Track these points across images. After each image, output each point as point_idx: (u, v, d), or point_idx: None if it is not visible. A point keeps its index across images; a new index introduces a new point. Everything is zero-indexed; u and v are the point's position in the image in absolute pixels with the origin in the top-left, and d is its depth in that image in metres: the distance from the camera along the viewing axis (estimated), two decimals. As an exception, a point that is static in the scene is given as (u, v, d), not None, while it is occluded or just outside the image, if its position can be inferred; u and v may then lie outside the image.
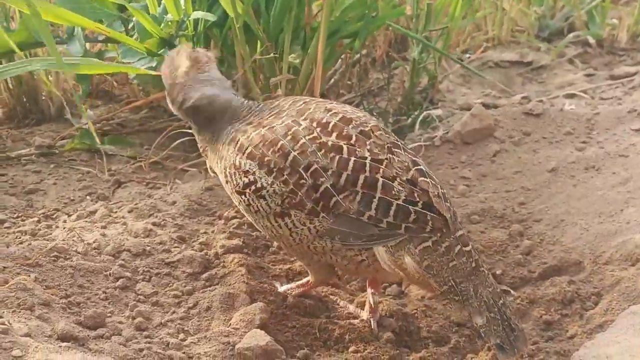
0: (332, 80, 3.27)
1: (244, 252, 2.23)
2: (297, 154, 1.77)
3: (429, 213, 1.73)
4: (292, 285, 2.10)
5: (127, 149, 2.81)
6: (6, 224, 2.33)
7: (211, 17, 2.46)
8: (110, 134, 2.88)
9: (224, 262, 2.17)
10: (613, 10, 4.21)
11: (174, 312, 1.99)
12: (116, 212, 2.41)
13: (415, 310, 2.11)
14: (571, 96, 3.38)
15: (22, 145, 2.80)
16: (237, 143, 1.86)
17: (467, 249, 1.76)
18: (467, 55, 3.87)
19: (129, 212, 2.40)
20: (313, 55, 2.64)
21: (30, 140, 2.83)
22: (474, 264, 1.75)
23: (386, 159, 1.76)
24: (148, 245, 2.21)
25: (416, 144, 2.72)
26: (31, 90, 2.99)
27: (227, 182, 1.90)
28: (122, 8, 2.71)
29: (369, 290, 2.03)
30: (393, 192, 1.72)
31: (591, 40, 3.97)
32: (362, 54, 3.37)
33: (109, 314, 1.91)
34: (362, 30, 2.68)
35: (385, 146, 1.79)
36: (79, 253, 2.10)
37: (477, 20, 3.92)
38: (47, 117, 3.00)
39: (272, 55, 2.56)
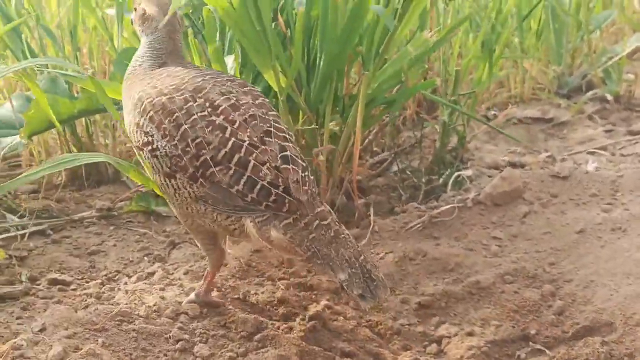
0: (367, 140, 3.30)
1: (293, 313, 2.26)
2: (188, 127, 1.97)
3: (286, 196, 1.92)
4: (199, 287, 2.22)
5: (180, 210, 2.85)
6: (72, 286, 2.37)
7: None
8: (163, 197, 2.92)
9: (274, 323, 2.19)
10: (628, 66, 4.21)
11: (229, 374, 2.01)
12: (172, 273, 2.45)
13: (455, 370, 2.11)
14: (592, 153, 3.38)
15: (84, 207, 2.86)
16: (142, 105, 2.05)
17: (325, 222, 1.95)
18: (492, 112, 3.89)
19: (185, 274, 2.43)
20: (352, 123, 2.67)
21: (90, 202, 2.89)
22: (332, 233, 1.94)
23: (262, 145, 1.96)
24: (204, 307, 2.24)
25: (450, 206, 2.73)
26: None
27: (130, 132, 2.11)
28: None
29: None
30: (260, 174, 1.93)
31: (609, 97, 3.98)
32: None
33: (171, 377, 1.93)
34: (397, 100, 2.71)
35: (260, 133, 1.98)
36: (140, 316, 2.13)
37: (500, 78, 3.96)
38: (105, 180, 3.06)
39: (313, 125, 2.60)
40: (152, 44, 2.24)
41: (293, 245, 1.91)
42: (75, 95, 2.87)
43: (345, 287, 1.89)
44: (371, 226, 2.65)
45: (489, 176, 3.06)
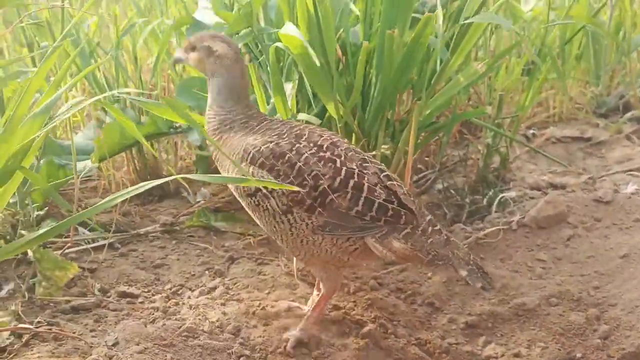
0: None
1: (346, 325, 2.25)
2: (302, 164, 2.04)
3: (401, 209, 2.03)
4: (309, 314, 2.21)
5: (237, 226, 2.86)
6: (140, 299, 2.39)
7: (315, 120, 2.51)
8: (222, 211, 2.94)
9: (329, 340, 2.18)
10: (666, 87, 4.11)
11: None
12: (232, 288, 2.46)
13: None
14: (632, 174, 3.29)
15: (148, 221, 2.89)
16: (249, 155, 2.09)
17: (437, 227, 2.08)
18: (531, 132, 3.83)
19: (244, 288, 2.44)
20: (402, 147, 2.66)
21: (154, 217, 2.92)
22: (445, 237, 2.06)
23: (364, 170, 2.06)
24: (262, 321, 2.25)
25: (495, 228, 2.69)
26: (154, 170, 3.10)
27: (236, 187, 2.15)
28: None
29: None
30: (375, 193, 2.02)
31: (646, 118, 3.88)
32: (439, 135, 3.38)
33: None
34: (447, 126, 2.69)
35: (359, 162, 2.08)
36: (205, 332, 2.15)
37: (541, 100, 3.90)
38: (167, 194, 3.08)
39: (369, 151, 2.59)
40: (228, 86, 2.19)
41: (415, 252, 2.00)
42: (142, 120, 2.91)
43: (469, 281, 2.00)
44: (420, 246, 2.62)
45: (532, 197, 3.01)
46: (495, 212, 2.86)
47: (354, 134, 2.66)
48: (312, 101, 2.72)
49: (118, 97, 2.92)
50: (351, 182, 2.02)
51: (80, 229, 2.73)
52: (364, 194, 2.01)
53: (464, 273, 2.01)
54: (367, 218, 2.01)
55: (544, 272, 2.52)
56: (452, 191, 3.11)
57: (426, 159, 3.36)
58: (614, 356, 2.16)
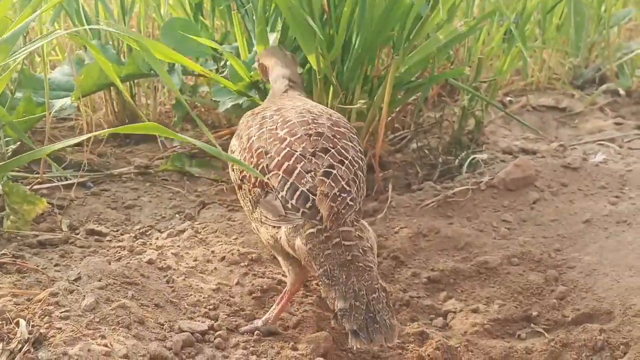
0: (389, 117, 3.17)
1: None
2: (255, 139, 1.88)
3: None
4: (270, 312, 1.93)
5: (211, 172, 2.76)
6: (108, 237, 2.30)
7: (296, 73, 2.40)
8: (197, 157, 2.84)
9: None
10: (642, 62, 4.01)
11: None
12: (200, 232, 2.37)
13: (459, 345, 2.02)
14: (601, 144, 3.22)
15: (123, 163, 2.78)
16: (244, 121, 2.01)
17: (348, 243, 1.70)
18: (508, 99, 3.73)
19: (212, 232, 2.36)
20: (378, 103, 2.55)
21: (130, 159, 2.80)
22: (350, 257, 1.67)
23: (312, 157, 1.80)
24: (229, 266, 2.17)
25: (464, 187, 2.61)
26: (132, 114, 2.97)
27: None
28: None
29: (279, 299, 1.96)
30: (302, 180, 1.76)
31: (621, 91, 3.79)
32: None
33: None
34: (425, 85, 2.58)
35: (317, 149, 1.81)
36: (169, 272, 2.06)
37: (519, 67, 3.78)
38: (144, 138, 2.97)
39: (346, 104, 2.49)
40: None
41: (310, 258, 1.69)
42: (123, 60, 2.76)
43: (339, 317, 1.59)
44: (389, 201, 2.55)
45: (502, 161, 2.93)
46: (466, 172, 2.78)
47: (331, 87, 2.55)
48: (294, 52, 2.60)
49: (99, 32, 2.78)
50: (285, 165, 1.79)
51: (55, 165, 2.61)
52: (291, 179, 1.76)
53: (340, 305, 1.59)
54: (289, 206, 1.75)
55: (508, 232, 2.45)
56: (426, 151, 3.02)
57: (403, 118, 3.25)
58: (569, 316, 2.10)
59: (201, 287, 2.04)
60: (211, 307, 1.97)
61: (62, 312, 1.76)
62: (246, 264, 2.18)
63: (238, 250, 2.24)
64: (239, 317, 1.96)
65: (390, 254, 2.34)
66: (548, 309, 2.15)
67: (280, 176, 1.78)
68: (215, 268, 2.15)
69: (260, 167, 1.83)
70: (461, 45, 3.13)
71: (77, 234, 2.29)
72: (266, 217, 1.82)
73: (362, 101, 2.57)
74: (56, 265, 2.07)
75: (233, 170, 1.99)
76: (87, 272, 1.94)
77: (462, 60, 3.18)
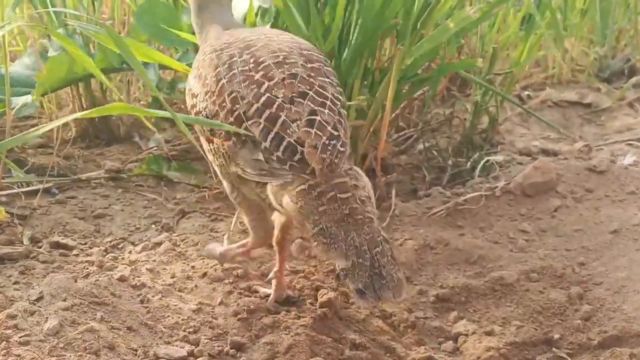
0: (393, 114, 3.16)
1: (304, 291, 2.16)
2: (226, 82, 1.86)
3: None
4: (232, 246, 2.10)
5: (192, 177, 2.75)
6: (75, 251, 2.28)
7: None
8: (176, 160, 2.82)
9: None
10: (676, 52, 4.02)
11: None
12: (179, 245, 2.35)
13: (470, 370, 2.01)
14: (631, 144, 3.21)
15: (93, 166, 2.76)
16: (196, 63, 1.99)
17: (344, 195, 1.73)
18: (527, 93, 3.73)
19: (192, 245, 2.34)
20: (381, 99, 2.54)
21: (100, 161, 2.79)
22: (347, 211, 1.70)
23: (294, 103, 1.81)
24: (211, 283, 2.15)
25: (477, 193, 2.60)
26: (103, 111, 2.95)
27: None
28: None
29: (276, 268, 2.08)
30: (288, 130, 1.77)
31: (653, 85, 3.80)
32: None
33: None
34: (433, 78, 2.57)
35: (293, 93, 1.82)
36: (143, 290, 2.05)
37: (539, 58, 3.78)
38: (116, 138, 2.96)
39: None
40: None
41: (302, 217, 1.72)
42: (92, 51, 2.75)
43: (342, 277, 1.66)
44: (392, 209, 2.54)
45: (520, 163, 2.92)
46: (479, 176, 2.77)
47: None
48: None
49: (65, 23, 2.77)
50: (266, 113, 1.80)
51: (15, 170, 2.59)
52: (275, 128, 1.78)
53: (342, 264, 1.65)
54: (273, 157, 1.77)
55: (527, 244, 2.45)
56: (434, 152, 3.01)
57: (408, 115, 3.24)
58: (595, 339, 2.10)
59: (180, 308, 2.02)
60: (191, 330, 1.95)
61: (21, 337, 1.74)
62: (231, 280, 2.17)
63: (222, 265, 2.23)
64: (223, 341, 1.95)
65: (393, 269, 2.32)
66: (572, 330, 2.15)
67: (262, 125, 1.80)
68: (195, 286, 2.14)
69: (235, 114, 1.83)
70: (473, 33, 3.13)
71: (40, 247, 2.28)
72: (244, 171, 1.84)
73: (362, 97, 2.56)
74: (15, 283, 2.05)
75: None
76: (51, 291, 1.92)
77: (475, 50, 3.18)
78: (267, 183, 1.81)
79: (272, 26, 2.55)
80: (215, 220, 2.51)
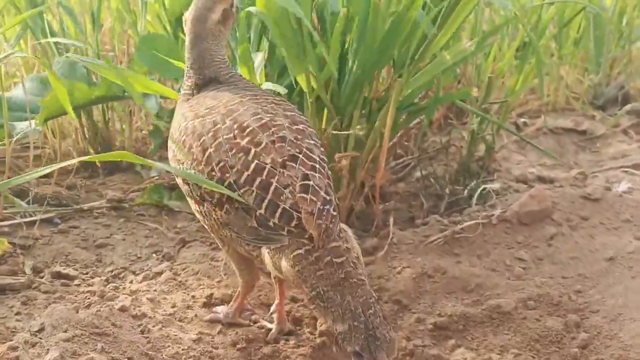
0: (390, 142, 3.18)
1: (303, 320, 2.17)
2: (212, 151, 1.87)
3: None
4: (229, 307, 2.14)
5: (193, 206, 2.76)
6: (76, 281, 2.30)
7: (281, 90, 2.42)
8: (177, 190, 2.83)
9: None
10: (668, 80, 4.06)
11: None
12: (180, 274, 2.36)
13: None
14: (626, 171, 3.23)
15: (95, 196, 2.78)
16: (179, 129, 1.99)
17: (339, 260, 1.80)
18: (522, 120, 3.76)
19: (193, 274, 2.35)
20: (379, 128, 2.56)
21: (102, 191, 2.81)
22: (342, 275, 1.78)
23: (282, 169, 1.84)
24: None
25: (474, 222, 2.61)
26: (106, 140, 2.99)
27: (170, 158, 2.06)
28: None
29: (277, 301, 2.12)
30: (282, 197, 1.80)
31: (646, 111, 3.83)
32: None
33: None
34: (429, 108, 2.60)
35: (284, 157, 1.85)
36: (144, 321, 2.05)
37: (534, 85, 3.81)
38: (118, 168, 2.98)
39: (342, 130, 2.50)
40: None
41: (300, 281, 1.78)
42: (94, 80, 2.79)
43: (340, 341, 1.73)
44: (390, 237, 2.55)
45: (516, 191, 2.94)
46: (476, 204, 2.78)
47: (325, 111, 2.56)
48: (282, 73, 2.62)
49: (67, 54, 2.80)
50: (258, 180, 1.82)
51: (18, 200, 2.62)
52: (268, 196, 1.80)
53: (339, 328, 1.73)
54: (270, 224, 1.80)
55: (523, 272, 2.45)
56: (432, 180, 3.04)
57: (406, 143, 3.27)
58: (592, 368, 2.10)
59: (180, 338, 2.03)
60: (191, 360, 1.96)
61: (22, 369, 1.75)
62: (231, 310, 2.17)
63: (222, 294, 2.24)
64: (222, 371, 1.95)
65: (391, 297, 2.34)
66: (569, 359, 2.15)
67: (254, 193, 1.82)
68: (195, 315, 2.15)
69: (226, 183, 1.85)
70: (469, 63, 3.16)
71: (42, 277, 2.29)
72: (238, 235, 1.87)
73: (359, 127, 2.59)
74: (17, 314, 2.06)
75: (188, 184, 1.97)
76: (52, 322, 1.93)
77: (471, 79, 3.21)
78: (261, 247, 1.86)
79: (268, 59, 2.57)
80: (215, 249, 2.52)
